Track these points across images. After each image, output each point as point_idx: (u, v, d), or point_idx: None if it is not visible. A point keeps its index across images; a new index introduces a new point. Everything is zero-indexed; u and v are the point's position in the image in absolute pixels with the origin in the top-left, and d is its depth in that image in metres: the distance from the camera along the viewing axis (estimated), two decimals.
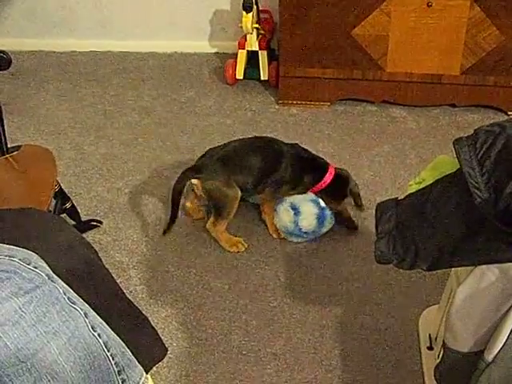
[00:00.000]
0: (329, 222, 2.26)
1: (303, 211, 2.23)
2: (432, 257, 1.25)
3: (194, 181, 2.22)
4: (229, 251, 2.25)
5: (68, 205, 2.23)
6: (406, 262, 1.29)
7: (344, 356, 1.87)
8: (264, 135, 2.50)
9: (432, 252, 1.25)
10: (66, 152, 2.76)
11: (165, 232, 2.25)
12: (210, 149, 2.32)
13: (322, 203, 2.25)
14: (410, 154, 2.71)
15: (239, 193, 2.21)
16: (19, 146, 2.12)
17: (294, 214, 2.23)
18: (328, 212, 2.25)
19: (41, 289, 1.10)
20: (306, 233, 2.25)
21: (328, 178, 2.27)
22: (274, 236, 2.31)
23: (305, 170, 2.29)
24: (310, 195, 2.27)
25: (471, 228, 1.19)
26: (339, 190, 2.30)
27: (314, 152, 2.37)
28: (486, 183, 1.17)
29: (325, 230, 2.27)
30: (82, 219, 2.32)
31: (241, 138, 2.39)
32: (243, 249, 2.25)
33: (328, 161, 2.34)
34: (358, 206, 2.34)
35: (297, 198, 2.26)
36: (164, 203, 2.47)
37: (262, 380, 1.82)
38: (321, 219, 2.24)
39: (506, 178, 1.15)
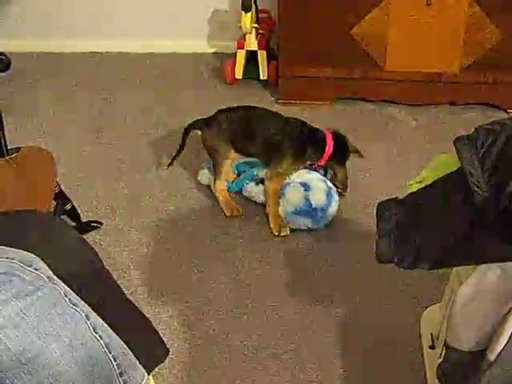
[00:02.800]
0: (335, 201, 2.31)
1: (313, 187, 2.28)
2: (433, 256, 1.24)
3: (198, 131, 2.46)
4: (226, 215, 2.38)
5: (68, 206, 2.22)
6: (407, 261, 1.29)
7: (345, 355, 1.87)
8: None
9: (433, 251, 1.25)
10: (65, 153, 2.75)
11: (169, 165, 2.54)
12: (221, 109, 2.49)
13: (329, 182, 2.33)
14: (409, 153, 2.71)
15: (232, 153, 2.39)
16: (19, 148, 2.11)
17: (305, 189, 2.27)
18: (334, 191, 2.32)
19: (42, 291, 1.10)
20: (315, 209, 2.25)
21: (330, 144, 2.34)
22: (275, 231, 2.30)
23: (306, 141, 2.36)
24: (317, 175, 2.33)
25: (472, 227, 1.19)
26: (343, 151, 2.39)
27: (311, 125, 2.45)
28: (487, 182, 1.16)
29: (331, 211, 2.29)
30: (82, 220, 2.31)
31: (251, 105, 2.52)
32: (238, 214, 2.37)
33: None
34: (361, 156, 2.46)
35: (305, 177, 2.31)
36: (164, 204, 2.47)
37: (263, 380, 1.82)
38: (329, 196, 2.28)
39: (507, 176, 1.14)
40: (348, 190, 2.45)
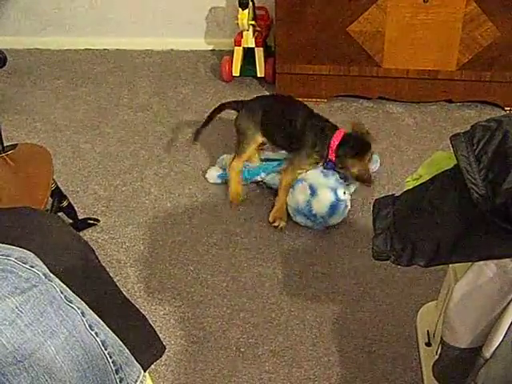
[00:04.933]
0: (339, 215, 2.27)
1: (319, 194, 2.25)
2: (430, 253, 1.24)
3: (232, 111, 2.53)
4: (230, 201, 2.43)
5: (65, 203, 2.22)
6: (404, 258, 1.29)
7: (342, 353, 1.87)
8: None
9: (429, 248, 1.24)
10: (62, 150, 2.75)
11: (194, 139, 2.61)
12: (258, 96, 2.59)
13: (341, 194, 2.26)
14: (406, 150, 2.71)
15: (259, 138, 2.43)
16: (15, 145, 2.11)
17: (310, 193, 2.25)
18: (343, 204, 2.26)
19: (38, 288, 1.09)
20: (314, 216, 2.25)
21: (335, 140, 2.28)
22: (271, 219, 2.32)
23: (315, 138, 2.33)
24: (333, 180, 2.28)
25: (469, 224, 1.19)
26: (353, 146, 2.29)
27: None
28: (484, 179, 1.16)
29: (333, 221, 2.28)
30: (79, 217, 2.31)
31: (287, 95, 2.55)
32: (236, 202, 2.42)
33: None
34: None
35: (318, 181, 2.27)
36: (161, 201, 2.47)
37: (260, 377, 1.82)
38: (333, 208, 2.25)
39: (503, 173, 1.14)
40: (371, 183, 2.36)
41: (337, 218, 2.28)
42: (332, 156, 2.29)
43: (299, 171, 2.33)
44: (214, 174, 2.55)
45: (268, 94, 2.59)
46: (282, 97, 2.57)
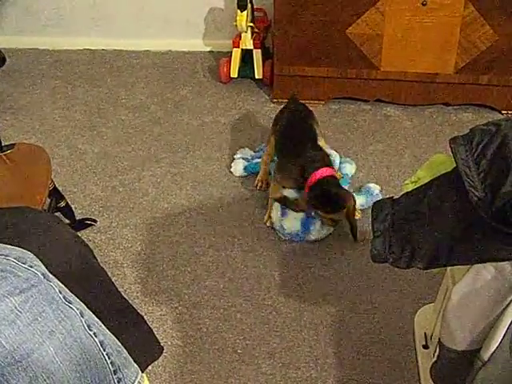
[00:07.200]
0: (316, 230, 2.23)
1: (290, 212, 2.23)
2: (428, 256, 1.24)
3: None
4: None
5: (62, 203, 2.22)
6: (402, 260, 1.29)
7: (339, 354, 1.87)
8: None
9: (428, 251, 1.25)
10: (59, 150, 2.75)
11: None
12: (294, 101, 2.57)
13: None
14: (404, 153, 2.72)
15: (272, 140, 2.45)
16: (13, 145, 2.11)
17: (281, 214, 2.25)
18: (316, 220, 2.22)
19: (36, 288, 1.09)
20: (289, 234, 2.25)
21: (312, 179, 2.17)
22: (266, 218, 2.34)
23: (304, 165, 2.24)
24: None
25: (467, 227, 1.19)
26: (323, 199, 2.15)
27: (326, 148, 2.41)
28: (482, 182, 1.17)
29: (312, 237, 2.24)
30: (77, 218, 2.31)
31: (307, 108, 2.55)
32: (259, 188, 2.50)
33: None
34: (353, 235, 2.23)
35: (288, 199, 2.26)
36: (158, 202, 2.46)
37: (256, 379, 1.82)
38: (306, 225, 2.22)
39: (502, 177, 1.15)
40: (356, 237, 2.23)
41: (314, 234, 2.23)
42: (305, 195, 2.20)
43: (280, 188, 2.30)
44: (239, 168, 2.58)
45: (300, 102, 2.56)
46: (303, 110, 2.52)
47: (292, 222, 2.23)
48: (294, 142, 2.33)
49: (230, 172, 2.59)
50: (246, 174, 2.58)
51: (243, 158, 2.61)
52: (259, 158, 2.58)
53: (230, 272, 2.16)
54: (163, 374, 1.83)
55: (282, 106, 2.58)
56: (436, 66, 2.86)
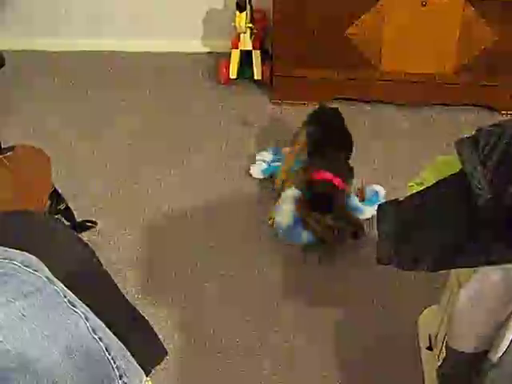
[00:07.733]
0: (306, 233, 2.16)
1: (283, 209, 2.19)
2: (434, 258, 1.24)
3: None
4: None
5: (62, 206, 2.21)
6: (408, 262, 1.29)
7: (341, 356, 1.87)
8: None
9: (434, 253, 1.24)
10: (59, 153, 2.72)
11: None
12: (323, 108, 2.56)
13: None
14: (404, 154, 2.71)
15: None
16: (13, 147, 2.10)
17: (277, 210, 2.22)
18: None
19: (41, 292, 1.09)
20: (282, 230, 2.19)
21: (310, 178, 2.18)
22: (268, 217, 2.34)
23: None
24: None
25: (474, 229, 1.19)
26: (319, 202, 2.13)
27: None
28: (489, 183, 1.16)
29: (304, 237, 2.15)
30: (77, 220, 2.30)
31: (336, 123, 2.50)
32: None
33: None
34: (352, 233, 2.19)
35: (288, 196, 2.23)
36: (158, 203, 2.46)
37: (258, 380, 1.81)
38: (298, 222, 2.14)
39: (509, 178, 1.15)
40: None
41: (304, 236, 2.15)
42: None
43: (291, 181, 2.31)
44: (257, 170, 2.58)
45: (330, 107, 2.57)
46: (333, 122, 2.50)
47: (284, 217, 2.16)
48: (331, 149, 2.31)
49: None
50: (263, 176, 2.57)
51: (263, 161, 2.60)
52: (277, 161, 2.57)
53: (231, 273, 2.15)
54: (166, 376, 1.82)
55: (314, 110, 2.54)
56: (435, 67, 2.86)
